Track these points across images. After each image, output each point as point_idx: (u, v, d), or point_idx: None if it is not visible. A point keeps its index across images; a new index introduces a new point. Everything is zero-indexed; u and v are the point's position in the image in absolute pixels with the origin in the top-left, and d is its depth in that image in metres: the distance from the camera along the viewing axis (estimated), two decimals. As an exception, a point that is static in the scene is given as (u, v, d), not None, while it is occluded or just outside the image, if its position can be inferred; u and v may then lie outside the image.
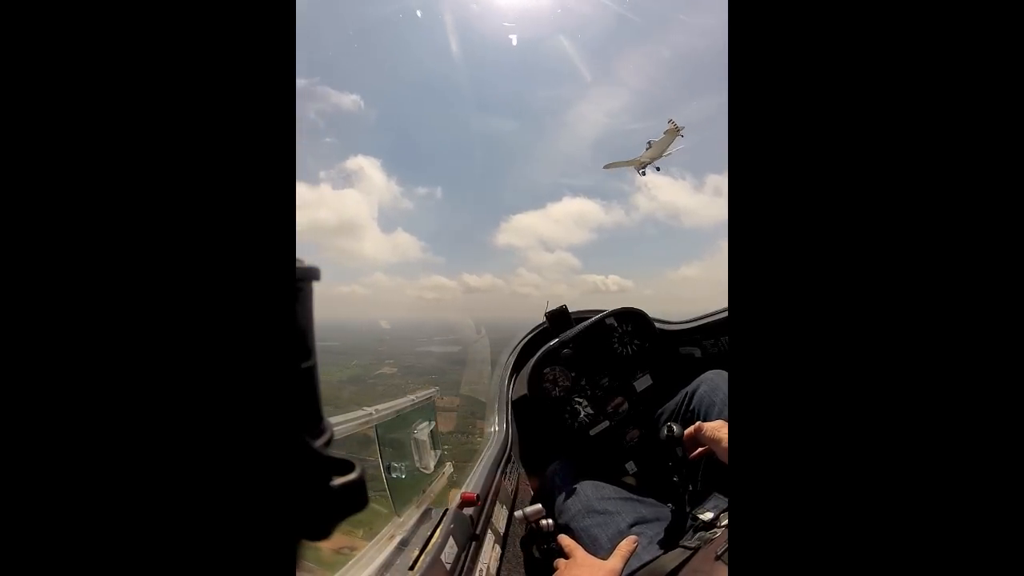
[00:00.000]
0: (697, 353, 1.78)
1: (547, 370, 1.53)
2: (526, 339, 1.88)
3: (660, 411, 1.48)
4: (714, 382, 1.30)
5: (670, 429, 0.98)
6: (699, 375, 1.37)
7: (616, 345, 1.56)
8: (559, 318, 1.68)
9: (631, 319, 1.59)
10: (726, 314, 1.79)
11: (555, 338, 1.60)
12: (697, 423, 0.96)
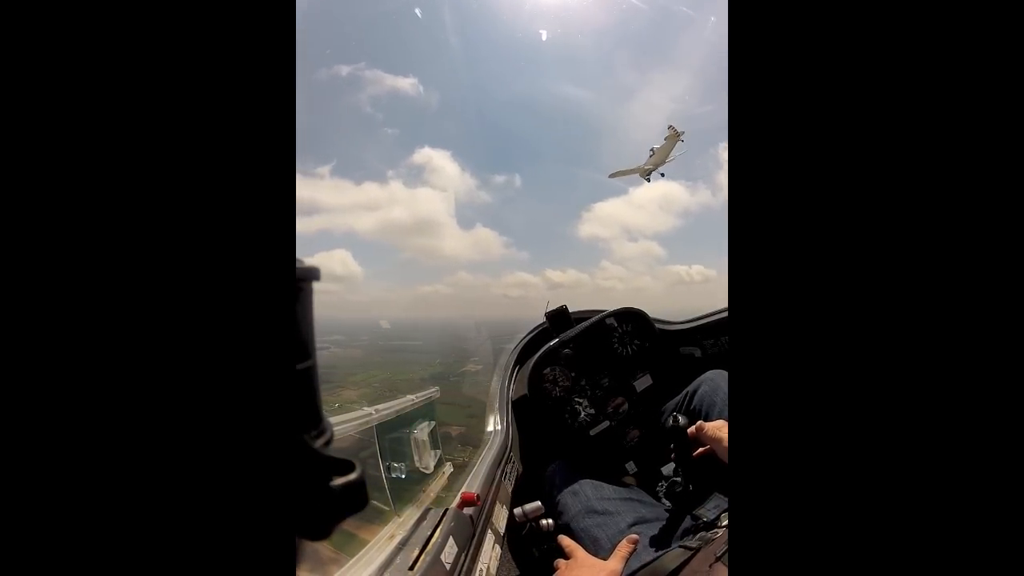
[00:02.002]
0: (697, 353, 1.78)
1: (547, 370, 1.53)
2: (526, 339, 1.87)
3: (661, 411, 1.48)
4: (715, 382, 1.30)
5: (675, 419, 0.99)
6: (699, 375, 1.37)
7: (616, 345, 1.56)
8: (559, 318, 1.68)
9: (631, 319, 1.59)
10: (726, 314, 1.79)
11: (555, 338, 1.60)
12: (698, 423, 0.96)
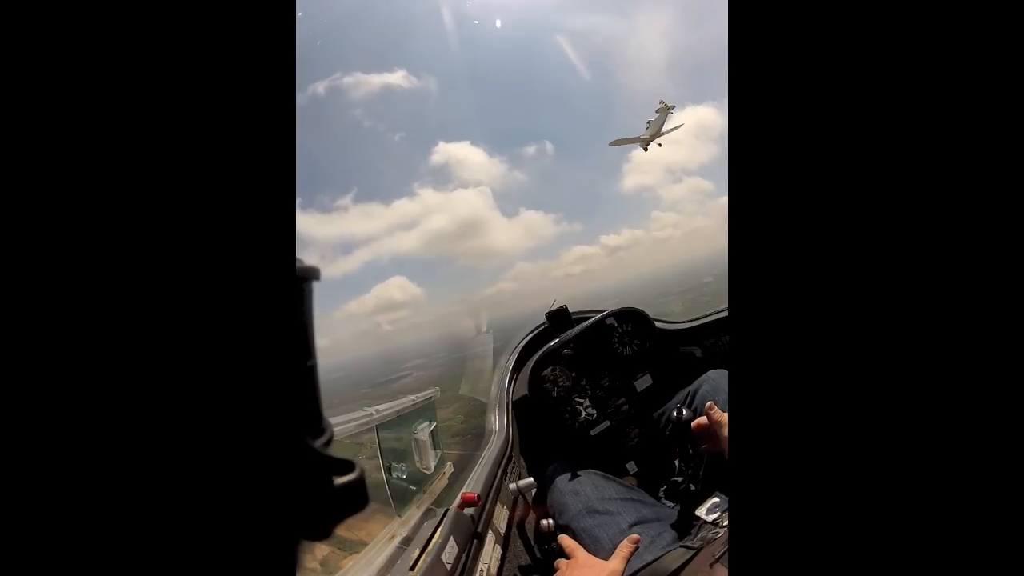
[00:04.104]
0: (697, 352, 1.78)
1: (547, 370, 1.53)
2: (526, 339, 1.87)
3: (661, 411, 1.48)
4: (716, 382, 1.30)
5: (679, 412, 0.99)
6: (700, 374, 1.37)
7: (616, 345, 1.56)
8: (559, 318, 1.68)
9: (631, 319, 1.59)
10: (726, 313, 1.79)
11: (555, 338, 1.60)
12: (709, 402, 0.97)
